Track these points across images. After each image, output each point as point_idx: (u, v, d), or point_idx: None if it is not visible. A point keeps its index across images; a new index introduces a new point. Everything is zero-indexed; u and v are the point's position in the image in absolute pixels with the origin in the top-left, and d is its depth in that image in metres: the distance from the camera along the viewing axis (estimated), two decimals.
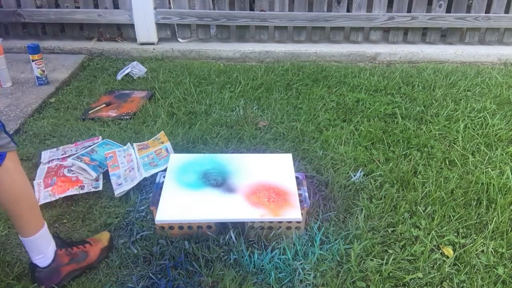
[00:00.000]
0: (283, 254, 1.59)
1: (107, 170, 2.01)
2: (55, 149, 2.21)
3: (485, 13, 3.53)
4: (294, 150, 2.23)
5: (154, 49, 3.58)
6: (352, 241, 1.66)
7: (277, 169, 1.87)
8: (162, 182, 1.80)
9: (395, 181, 2.00)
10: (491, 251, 1.63)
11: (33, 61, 2.87)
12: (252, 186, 1.76)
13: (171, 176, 1.81)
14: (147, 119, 2.53)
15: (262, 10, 3.57)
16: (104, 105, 2.68)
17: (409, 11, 3.56)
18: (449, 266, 1.57)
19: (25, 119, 2.54)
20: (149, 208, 1.80)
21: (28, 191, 1.37)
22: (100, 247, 1.57)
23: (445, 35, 3.73)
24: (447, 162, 2.15)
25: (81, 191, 1.89)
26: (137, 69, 3.15)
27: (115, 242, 1.66)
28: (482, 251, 1.64)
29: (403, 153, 2.21)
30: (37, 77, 2.92)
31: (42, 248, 1.42)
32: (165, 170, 1.90)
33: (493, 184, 1.94)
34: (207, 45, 3.66)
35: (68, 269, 1.47)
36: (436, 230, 1.72)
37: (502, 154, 2.21)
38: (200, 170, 1.85)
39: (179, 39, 3.73)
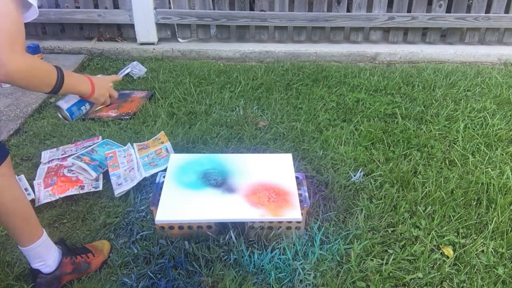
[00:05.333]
0: (283, 254, 1.59)
1: (107, 170, 2.01)
2: (55, 149, 2.21)
3: (485, 13, 3.53)
4: (294, 150, 2.23)
5: (154, 49, 3.58)
6: (352, 241, 1.66)
7: (277, 169, 1.87)
8: (162, 182, 1.79)
9: (395, 181, 2.00)
10: (491, 251, 1.63)
11: None
12: (252, 186, 1.76)
13: (171, 176, 1.81)
14: (147, 119, 2.53)
15: (262, 10, 3.57)
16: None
17: (409, 11, 3.56)
18: (449, 266, 1.57)
19: (25, 119, 2.54)
20: (149, 208, 1.80)
21: (20, 205, 1.33)
22: (101, 259, 1.57)
23: (445, 35, 3.73)
24: (447, 162, 2.15)
25: (81, 191, 1.89)
26: (137, 69, 3.15)
27: (115, 242, 1.66)
28: (482, 251, 1.64)
29: (403, 153, 2.21)
30: None
31: (41, 255, 1.41)
32: (165, 170, 1.90)
33: (493, 184, 1.94)
34: (207, 45, 3.66)
35: (69, 278, 1.48)
36: (436, 230, 1.72)
37: (502, 154, 2.21)
38: (200, 170, 1.85)
39: (179, 39, 3.73)
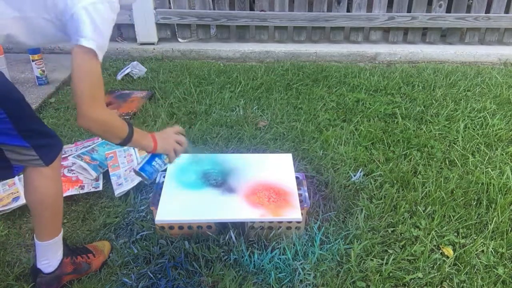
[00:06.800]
0: (283, 254, 1.59)
1: (107, 170, 2.01)
2: None
3: (485, 13, 3.54)
4: (294, 150, 2.23)
5: (154, 49, 3.58)
6: (352, 241, 1.66)
7: (277, 169, 1.87)
8: (162, 182, 1.80)
9: (395, 181, 2.00)
10: (491, 251, 1.63)
11: (33, 61, 2.87)
12: (252, 186, 1.76)
13: (171, 176, 1.81)
14: (147, 119, 2.53)
15: (262, 10, 3.57)
16: None
17: (409, 11, 3.56)
18: (449, 266, 1.57)
19: None
20: (149, 208, 1.80)
21: (58, 200, 1.39)
22: (102, 260, 1.57)
23: (445, 35, 3.73)
24: (447, 162, 2.15)
25: (81, 191, 1.89)
26: (137, 69, 3.15)
27: (115, 242, 1.66)
28: (482, 251, 1.64)
29: (403, 153, 2.21)
30: (37, 77, 2.92)
31: (50, 254, 1.43)
32: (165, 170, 1.90)
33: (493, 184, 1.94)
34: (207, 45, 3.66)
35: (69, 278, 1.48)
36: (436, 230, 1.72)
37: (502, 154, 2.21)
38: (200, 170, 1.85)
39: (179, 39, 3.73)
